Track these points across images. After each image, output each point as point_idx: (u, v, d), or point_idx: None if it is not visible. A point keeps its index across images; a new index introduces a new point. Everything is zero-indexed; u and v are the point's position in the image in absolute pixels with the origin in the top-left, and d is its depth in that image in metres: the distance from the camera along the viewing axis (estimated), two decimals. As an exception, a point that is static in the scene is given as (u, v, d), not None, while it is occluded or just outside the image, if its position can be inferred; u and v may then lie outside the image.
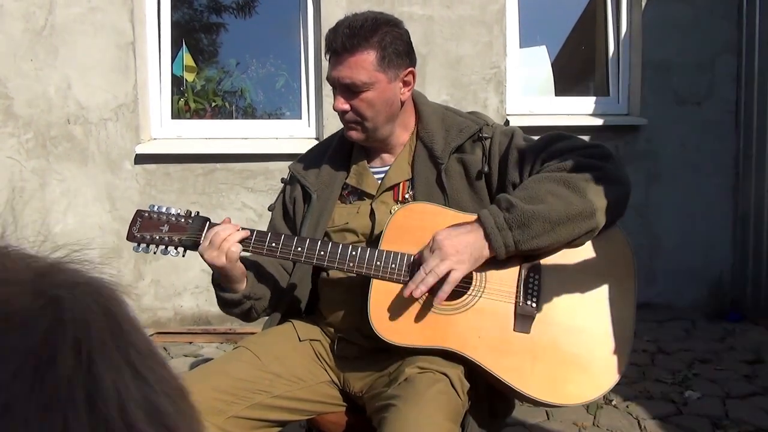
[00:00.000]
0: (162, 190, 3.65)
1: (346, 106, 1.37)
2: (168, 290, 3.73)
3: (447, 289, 1.22)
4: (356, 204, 1.49)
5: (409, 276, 1.28)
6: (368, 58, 1.33)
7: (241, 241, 1.34)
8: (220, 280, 1.40)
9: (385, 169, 1.49)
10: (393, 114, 1.43)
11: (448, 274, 1.21)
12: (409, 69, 1.41)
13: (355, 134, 1.43)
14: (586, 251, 1.29)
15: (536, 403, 1.25)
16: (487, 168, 1.39)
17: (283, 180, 1.62)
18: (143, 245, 1.38)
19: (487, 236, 1.23)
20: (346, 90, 1.36)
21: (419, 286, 1.22)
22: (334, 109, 1.41)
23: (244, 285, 1.40)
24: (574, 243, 1.27)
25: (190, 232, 1.36)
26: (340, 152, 1.56)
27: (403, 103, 1.43)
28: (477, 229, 1.25)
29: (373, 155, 1.52)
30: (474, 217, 1.30)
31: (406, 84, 1.41)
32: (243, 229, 1.36)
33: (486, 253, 1.24)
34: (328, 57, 1.39)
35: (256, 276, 1.44)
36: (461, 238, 1.23)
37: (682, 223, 3.91)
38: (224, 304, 1.44)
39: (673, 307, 3.90)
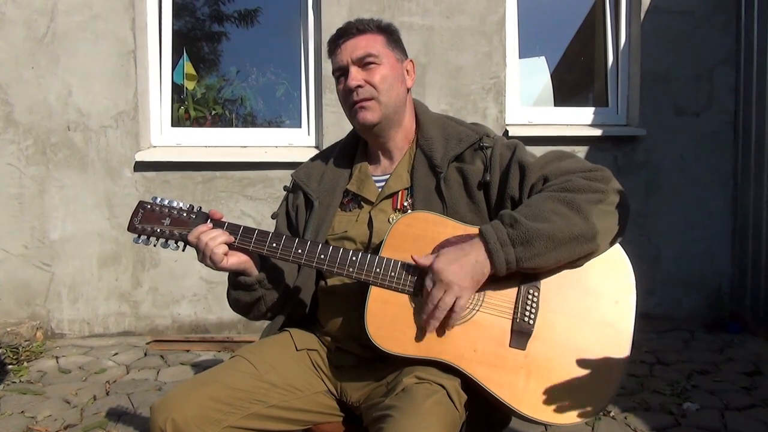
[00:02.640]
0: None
1: (361, 81, 1.42)
2: (166, 298, 3.72)
3: (456, 317, 1.23)
4: (355, 212, 1.49)
5: (408, 285, 1.28)
6: (378, 37, 1.47)
7: (236, 242, 1.36)
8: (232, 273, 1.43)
9: (385, 178, 1.50)
10: (402, 98, 1.48)
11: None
12: (410, 59, 1.53)
13: (369, 114, 1.44)
14: (586, 271, 1.28)
15: (528, 421, 1.23)
16: (488, 177, 1.38)
17: (285, 188, 1.62)
18: (143, 237, 1.38)
19: (488, 252, 1.22)
20: (359, 65, 1.43)
21: (431, 322, 1.23)
22: (346, 89, 1.43)
23: (257, 272, 1.42)
24: (573, 264, 1.27)
25: (191, 227, 1.36)
26: (343, 158, 1.57)
27: (408, 91, 1.51)
28: (477, 246, 1.23)
29: (375, 161, 1.53)
30: (475, 229, 1.29)
31: (408, 73, 1.51)
32: (233, 227, 1.37)
33: (487, 271, 1.23)
34: (333, 53, 1.47)
35: (269, 268, 1.46)
36: (460, 262, 1.22)
37: (681, 234, 3.91)
38: (236, 287, 1.45)
39: (672, 317, 3.89)
